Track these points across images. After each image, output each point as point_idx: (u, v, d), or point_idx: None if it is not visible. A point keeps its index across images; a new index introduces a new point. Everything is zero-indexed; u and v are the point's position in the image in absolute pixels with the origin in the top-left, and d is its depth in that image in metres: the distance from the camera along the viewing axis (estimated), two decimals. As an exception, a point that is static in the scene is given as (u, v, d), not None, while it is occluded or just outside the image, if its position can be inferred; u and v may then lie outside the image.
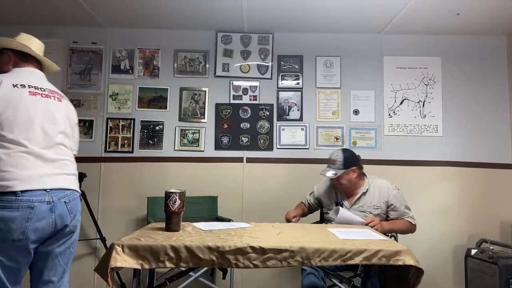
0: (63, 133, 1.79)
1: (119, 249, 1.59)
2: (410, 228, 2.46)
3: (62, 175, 1.71)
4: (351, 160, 2.46)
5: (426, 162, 3.39)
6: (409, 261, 1.62)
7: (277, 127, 3.46)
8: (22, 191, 1.55)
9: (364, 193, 2.49)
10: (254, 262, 1.62)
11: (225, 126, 3.45)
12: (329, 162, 2.51)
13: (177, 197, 1.85)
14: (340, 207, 2.40)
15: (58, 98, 1.84)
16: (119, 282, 3.10)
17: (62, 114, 1.81)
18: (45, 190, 1.61)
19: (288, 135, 3.44)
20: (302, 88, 3.50)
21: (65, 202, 1.68)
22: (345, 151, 2.52)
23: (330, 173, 2.45)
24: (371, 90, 3.48)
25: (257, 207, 3.35)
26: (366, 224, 2.27)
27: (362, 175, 2.55)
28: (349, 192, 2.53)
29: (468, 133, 3.42)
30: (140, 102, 3.46)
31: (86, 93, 3.45)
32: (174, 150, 3.42)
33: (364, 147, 3.40)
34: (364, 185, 2.51)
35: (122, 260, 1.57)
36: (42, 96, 1.75)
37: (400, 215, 2.45)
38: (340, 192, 2.57)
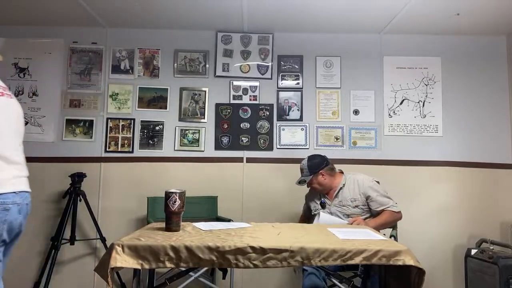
0: (20, 133, 1.78)
1: (119, 249, 1.59)
2: (395, 217, 2.54)
3: (23, 177, 1.73)
4: (315, 166, 2.65)
5: (426, 162, 3.39)
6: (409, 261, 1.62)
7: (277, 127, 3.46)
8: None
9: (341, 188, 2.63)
10: (254, 262, 1.62)
11: (225, 126, 3.45)
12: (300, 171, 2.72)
13: (177, 197, 1.85)
14: (321, 212, 2.55)
15: (10, 95, 1.77)
16: (119, 282, 3.10)
17: (17, 113, 1.78)
18: (15, 192, 1.63)
19: (288, 135, 3.44)
20: (302, 88, 3.50)
21: (26, 204, 1.71)
22: (310, 158, 2.71)
23: (300, 182, 2.69)
24: (371, 90, 3.48)
25: (257, 207, 3.35)
26: (351, 224, 2.39)
27: (335, 174, 2.71)
28: (327, 191, 2.68)
29: (468, 133, 3.42)
30: (140, 102, 3.46)
31: (86, 93, 3.45)
32: (174, 150, 3.42)
33: (364, 147, 3.40)
34: (341, 182, 2.66)
35: (122, 260, 1.58)
36: (2, 95, 1.69)
37: (380, 204, 2.53)
38: (321, 193, 2.72)
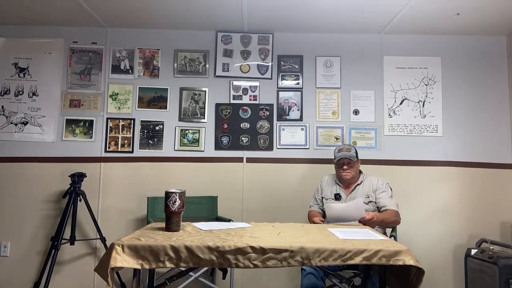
0: None
1: (119, 249, 1.59)
2: (396, 217, 2.60)
3: None
4: (357, 154, 2.81)
5: (426, 162, 3.39)
6: (409, 261, 1.62)
7: (277, 127, 3.45)
8: None
9: (358, 185, 2.75)
10: (254, 262, 1.62)
11: (225, 126, 3.45)
12: (342, 149, 2.77)
13: (177, 197, 1.86)
14: (328, 204, 2.61)
15: None
16: (119, 282, 3.10)
17: None
18: None
19: (288, 135, 3.44)
20: (302, 88, 3.50)
21: None
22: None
23: (347, 157, 2.70)
24: (371, 90, 3.48)
25: (257, 207, 3.35)
26: (367, 220, 2.34)
27: (359, 170, 2.86)
28: (348, 183, 2.77)
29: (468, 133, 3.42)
30: (140, 102, 3.46)
31: (86, 93, 3.45)
32: (174, 150, 3.42)
33: (364, 147, 3.40)
34: (359, 179, 2.79)
35: (122, 260, 1.58)
36: None
37: (386, 203, 2.62)
38: (339, 185, 2.78)
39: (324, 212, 2.80)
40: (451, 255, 3.31)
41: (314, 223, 2.61)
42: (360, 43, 3.52)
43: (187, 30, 3.50)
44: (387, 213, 2.57)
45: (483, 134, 3.42)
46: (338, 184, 2.79)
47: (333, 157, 2.79)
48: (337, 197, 2.73)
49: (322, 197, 2.81)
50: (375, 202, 2.67)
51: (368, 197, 2.67)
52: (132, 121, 3.43)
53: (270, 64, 3.50)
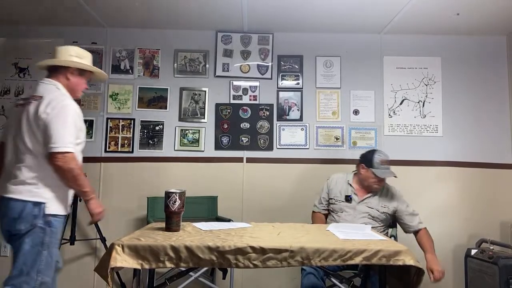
0: None
1: (119, 249, 1.59)
2: (430, 234, 2.49)
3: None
4: None
5: (426, 162, 3.39)
6: (409, 261, 1.63)
7: (277, 127, 3.45)
8: None
9: (375, 193, 2.59)
10: (254, 262, 1.62)
11: (225, 126, 3.45)
12: (385, 162, 2.58)
13: (177, 197, 1.86)
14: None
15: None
16: (119, 282, 3.10)
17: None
18: None
19: (288, 135, 3.44)
20: (302, 88, 3.50)
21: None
22: None
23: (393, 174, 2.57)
24: (371, 90, 3.48)
25: (257, 207, 3.35)
26: (437, 279, 2.23)
27: None
28: (375, 192, 2.60)
29: (468, 133, 3.42)
30: (140, 102, 3.46)
31: (86, 93, 3.44)
32: (174, 150, 3.42)
33: (364, 147, 3.38)
34: None
35: (122, 260, 1.58)
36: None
37: (415, 222, 2.50)
38: (352, 187, 2.62)
39: (327, 213, 2.73)
40: (451, 255, 3.31)
41: None
42: (360, 43, 3.52)
43: (187, 30, 3.50)
44: (427, 242, 2.42)
45: (483, 134, 3.42)
46: (350, 185, 2.62)
47: (370, 161, 2.55)
48: (348, 199, 2.58)
49: (330, 198, 2.65)
50: (399, 218, 2.55)
51: (384, 207, 2.55)
52: (132, 121, 3.43)
53: (270, 64, 3.50)
